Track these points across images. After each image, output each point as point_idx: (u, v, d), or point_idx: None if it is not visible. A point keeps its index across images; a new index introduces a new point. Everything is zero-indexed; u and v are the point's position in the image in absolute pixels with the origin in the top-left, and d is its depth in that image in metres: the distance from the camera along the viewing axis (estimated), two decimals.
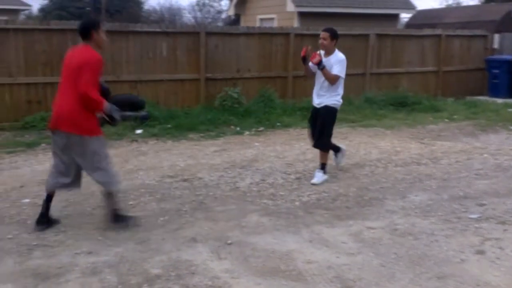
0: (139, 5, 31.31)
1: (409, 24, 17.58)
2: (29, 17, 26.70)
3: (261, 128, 9.01)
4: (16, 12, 24.03)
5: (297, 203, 5.15)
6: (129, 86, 9.52)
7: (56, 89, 9.76)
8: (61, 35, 8.93)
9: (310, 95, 10.73)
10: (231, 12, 20.15)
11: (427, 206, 5.08)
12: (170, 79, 9.91)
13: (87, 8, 27.58)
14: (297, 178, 5.97)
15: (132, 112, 8.86)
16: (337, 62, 5.65)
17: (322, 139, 5.87)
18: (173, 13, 32.96)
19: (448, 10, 21.15)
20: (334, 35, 5.68)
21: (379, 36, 11.99)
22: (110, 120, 4.34)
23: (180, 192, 5.43)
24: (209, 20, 32.88)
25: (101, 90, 4.35)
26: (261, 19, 17.80)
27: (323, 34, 5.67)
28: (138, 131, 8.41)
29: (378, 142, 8.03)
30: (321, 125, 5.81)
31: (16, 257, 3.82)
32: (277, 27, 14.82)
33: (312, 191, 5.53)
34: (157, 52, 9.76)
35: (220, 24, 29.04)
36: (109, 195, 4.38)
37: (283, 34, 10.95)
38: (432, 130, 9.24)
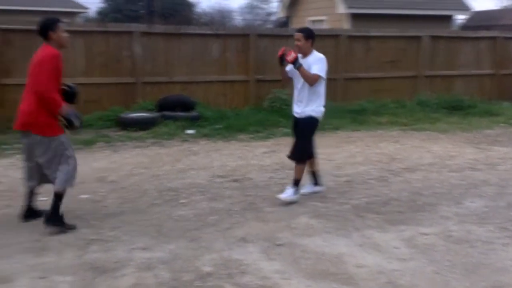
0: (191, 7, 31.84)
1: (466, 26, 17.11)
2: (87, 19, 27.65)
3: None
4: (74, 14, 24.97)
5: (347, 206, 5.11)
6: (180, 87, 9.74)
7: (111, 89, 10.08)
8: (117, 37, 9.26)
9: (361, 98, 10.83)
10: (282, 14, 20.18)
11: (483, 213, 4.92)
12: (220, 80, 10.05)
13: (141, 11, 28.31)
14: (347, 181, 5.92)
15: (184, 112, 9.10)
16: (315, 61, 5.10)
17: (297, 151, 5.27)
18: (224, 16, 33.34)
19: (505, 11, 20.38)
20: (308, 35, 5.17)
21: (433, 38, 11.70)
22: (68, 125, 4.23)
23: (230, 192, 5.50)
24: (259, 22, 33.05)
25: (66, 91, 4.30)
26: (311, 21, 17.74)
27: (296, 35, 5.15)
28: (189, 131, 8.57)
29: (431, 146, 7.85)
30: (298, 137, 5.28)
31: (75, 250, 3.98)
32: (326, 28, 14.75)
33: (362, 194, 5.47)
34: (208, 53, 9.93)
35: (269, 26, 29.12)
36: (56, 195, 4.33)
37: (333, 35, 10.88)
38: (488, 135, 8.94)
